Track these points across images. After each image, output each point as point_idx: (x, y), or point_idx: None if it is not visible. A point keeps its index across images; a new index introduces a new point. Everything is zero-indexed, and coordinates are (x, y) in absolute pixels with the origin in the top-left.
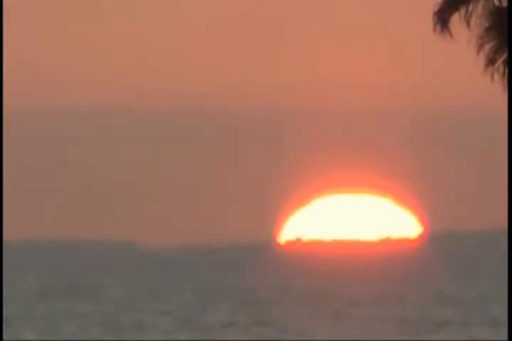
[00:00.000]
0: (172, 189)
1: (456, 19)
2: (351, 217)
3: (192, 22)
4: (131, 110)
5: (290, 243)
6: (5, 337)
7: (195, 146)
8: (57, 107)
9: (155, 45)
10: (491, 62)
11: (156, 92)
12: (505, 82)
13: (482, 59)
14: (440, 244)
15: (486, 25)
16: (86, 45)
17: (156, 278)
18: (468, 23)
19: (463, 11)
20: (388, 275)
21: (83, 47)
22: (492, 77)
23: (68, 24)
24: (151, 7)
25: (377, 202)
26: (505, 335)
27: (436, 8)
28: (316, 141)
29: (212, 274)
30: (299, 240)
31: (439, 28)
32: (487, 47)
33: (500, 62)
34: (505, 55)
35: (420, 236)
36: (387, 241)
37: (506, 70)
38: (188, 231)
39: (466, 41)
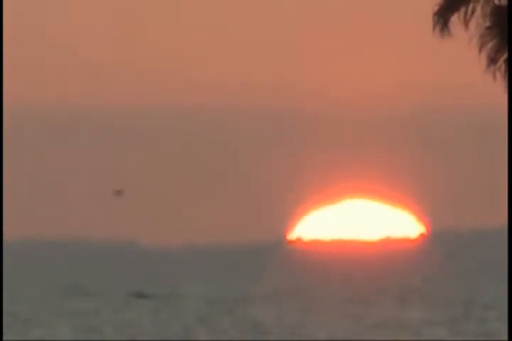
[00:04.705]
0: (177, 187)
1: (455, 19)
2: (351, 217)
3: (194, 21)
4: (130, 108)
5: (291, 243)
6: (5, 337)
7: (205, 145)
8: (57, 106)
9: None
10: (492, 61)
11: (158, 91)
12: (506, 80)
13: (484, 58)
14: (440, 244)
15: (487, 24)
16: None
17: (159, 277)
18: (468, 23)
19: (463, 10)
20: (388, 275)
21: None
22: (494, 76)
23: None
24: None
25: (377, 203)
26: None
27: (436, 9)
28: (318, 145)
29: (214, 273)
30: (299, 240)
31: (438, 28)
32: (488, 46)
33: (501, 61)
34: (506, 54)
35: (420, 236)
36: (387, 241)
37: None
38: (194, 231)
39: (465, 41)
